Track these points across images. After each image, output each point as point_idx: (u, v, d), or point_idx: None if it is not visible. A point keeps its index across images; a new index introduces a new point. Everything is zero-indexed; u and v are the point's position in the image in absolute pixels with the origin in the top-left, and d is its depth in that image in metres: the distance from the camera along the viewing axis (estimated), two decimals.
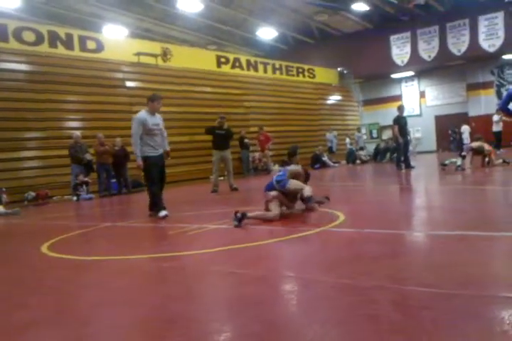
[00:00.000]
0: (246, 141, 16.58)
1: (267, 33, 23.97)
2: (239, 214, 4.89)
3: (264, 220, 5.14)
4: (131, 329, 2.24)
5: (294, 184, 5.41)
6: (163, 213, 6.37)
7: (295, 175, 5.63)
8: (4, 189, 10.93)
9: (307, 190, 5.34)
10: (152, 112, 6.57)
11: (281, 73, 21.64)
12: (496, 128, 18.07)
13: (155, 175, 6.54)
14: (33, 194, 11.33)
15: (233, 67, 19.33)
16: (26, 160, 12.16)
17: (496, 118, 17.83)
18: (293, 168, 5.87)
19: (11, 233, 6.86)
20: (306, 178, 5.85)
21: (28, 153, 12.26)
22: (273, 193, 5.35)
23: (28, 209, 10.27)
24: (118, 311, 2.54)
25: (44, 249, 4.58)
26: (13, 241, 5.81)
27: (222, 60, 19.00)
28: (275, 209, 5.20)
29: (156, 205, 6.53)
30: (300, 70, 22.68)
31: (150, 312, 2.46)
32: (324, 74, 23.89)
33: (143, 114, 6.49)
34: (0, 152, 11.40)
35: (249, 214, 5.03)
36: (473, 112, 22.45)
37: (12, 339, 2.24)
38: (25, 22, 14.37)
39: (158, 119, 6.65)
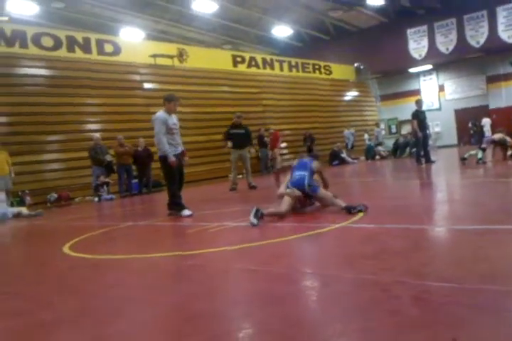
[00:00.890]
0: (265, 139, 16.55)
1: (282, 31, 23.91)
2: (259, 212, 4.88)
3: (279, 216, 5.13)
4: (153, 328, 2.25)
5: (323, 193, 5.40)
6: (187, 212, 6.42)
7: (316, 173, 5.68)
8: (27, 191, 11.13)
9: (340, 202, 5.18)
10: (169, 112, 6.62)
11: (298, 70, 21.56)
12: None
13: (176, 174, 6.59)
14: (55, 195, 11.51)
15: (249, 66, 19.32)
16: (48, 163, 12.36)
17: None
18: (317, 165, 5.79)
19: (34, 234, 6.97)
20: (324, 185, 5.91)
21: (50, 155, 12.46)
22: (297, 193, 5.33)
23: (50, 211, 10.42)
24: (140, 309, 2.56)
25: (66, 249, 4.64)
26: (36, 242, 5.91)
27: (238, 59, 19.01)
28: (285, 205, 5.21)
29: (177, 204, 6.58)
30: (316, 67, 22.57)
31: (171, 310, 2.48)
32: (341, 71, 23.74)
33: (162, 113, 6.56)
34: (23, 155, 11.59)
35: (265, 212, 5.05)
36: (493, 105, 22.09)
37: (35, 337, 2.27)
38: (43, 28, 14.59)
39: (175, 119, 6.72)
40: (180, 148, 6.78)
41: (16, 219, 9.00)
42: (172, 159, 6.42)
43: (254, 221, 4.82)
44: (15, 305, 2.88)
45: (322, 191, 5.43)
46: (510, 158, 10.56)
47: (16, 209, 9.39)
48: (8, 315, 2.68)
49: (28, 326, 2.44)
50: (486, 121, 19.80)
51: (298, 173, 5.53)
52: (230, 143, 10.49)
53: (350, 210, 4.93)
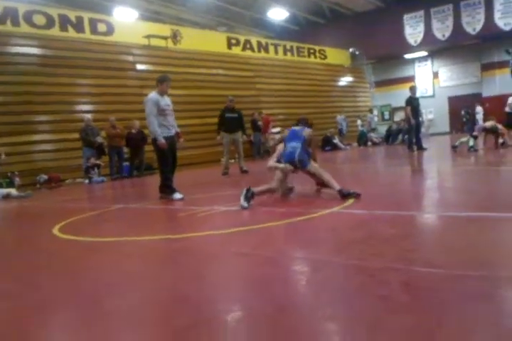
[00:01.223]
0: (259, 123, 16.49)
1: (277, 14, 23.63)
2: (249, 193, 4.89)
3: (271, 192, 5.18)
4: (142, 310, 2.26)
5: (314, 168, 5.35)
6: (178, 196, 6.40)
7: (309, 141, 5.55)
8: (17, 172, 11.05)
9: (335, 184, 5.09)
10: (162, 94, 6.57)
11: (293, 54, 21.38)
12: (509, 109, 17.81)
13: (168, 156, 6.56)
14: (45, 177, 11.44)
15: (244, 48, 19.13)
16: (38, 144, 12.23)
17: (511, 100, 17.58)
18: (309, 133, 5.63)
19: (23, 215, 6.94)
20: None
21: (40, 136, 12.32)
22: (290, 168, 5.30)
23: (40, 192, 10.38)
24: (129, 292, 2.56)
25: (55, 230, 4.62)
26: (25, 224, 5.89)
27: (233, 41, 18.81)
28: (276, 180, 5.24)
29: (168, 187, 6.56)
30: (311, 51, 22.39)
31: (160, 293, 2.48)
32: (336, 55, 23.57)
33: (154, 95, 6.50)
34: (12, 136, 11.47)
35: (255, 190, 5.07)
36: (487, 93, 22.10)
37: (25, 320, 2.27)
38: (35, 5, 14.27)
39: (168, 100, 6.67)
40: (174, 130, 6.73)
41: (5, 200, 8.95)
42: (162, 141, 6.37)
43: (245, 204, 4.85)
44: (3, 287, 2.88)
45: (313, 166, 5.37)
46: (501, 146, 10.62)
47: (5, 191, 9.32)
48: None
49: (18, 308, 2.44)
50: (479, 109, 19.83)
51: (290, 145, 5.44)
52: (219, 137, 10.62)
53: (344, 194, 4.91)
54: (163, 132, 6.45)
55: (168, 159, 6.56)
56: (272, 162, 5.57)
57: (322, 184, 5.43)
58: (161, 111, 6.46)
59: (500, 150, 10.35)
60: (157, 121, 6.42)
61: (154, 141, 6.49)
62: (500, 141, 10.70)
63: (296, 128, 5.77)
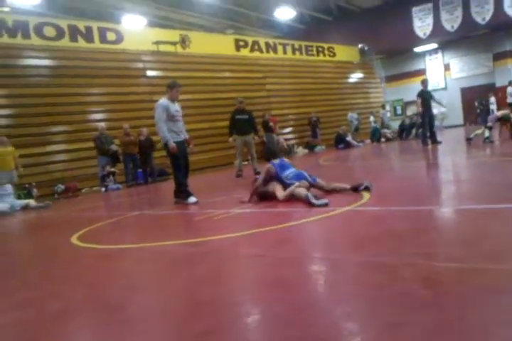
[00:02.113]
0: (271, 124, 16.47)
1: (284, 14, 23.54)
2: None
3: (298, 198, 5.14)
4: (162, 315, 2.27)
5: (321, 180, 5.55)
6: (193, 199, 6.45)
7: None
8: (34, 183, 11.18)
9: (344, 185, 5.41)
10: (172, 100, 6.61)
11: (301, 53, 21.33)
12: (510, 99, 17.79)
13: (181, 161, 6.60)
14: (62, 187, 11.56)
15: (252, 50, 19.14)
16: (54, 154, 12.37)
17: (510, 90, 17.53)
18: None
19: (42, 225, 7.02)
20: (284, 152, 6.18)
21: (56, 147, 12.46)
22: (306, 184, 5.42)
23: (58, 202, 10.49)
24: (148, 297, 2.58)
25: (74, 239, 4.67)
26: (44, 234, 5.96)
27: (241, 43, 18.84)
28: (303, 190, 5.19)
29: (183, 192, 6.59)
30: (320, 49, 22.31)
31: (179, 297, 2.49)
32: (345, 52, 23.46)
33: (164, 100, 6.55)
34: (28, 147, 11.61)
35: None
36: (500, 82, 21.77)
37: (46, 327, 2.30)
38: (45, 17, 14.49)
39: (177, 106, 6.72)
40: (183, 136, 6.78)
41: (24, 211, 9.06)
42: (172, 145, 6.42)
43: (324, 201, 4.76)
44: (24, 296, 2.91)
45: (319, 179, 5.56)
46: None
47: (23, 202, 9.44)
48: (17, 306, 2.70)
49: (38, 316, 2.47)
50: (493, 100, 19.57)
51: (290, 171, 5.63)
52: (231, 139, 10.63)
53: (357, 188, 5.13)
54: (172, 137, 6.51)
55: (181, 163, 6.60)
56: (282, 192, 5.44)
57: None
58: (171, 117, 6.51)
59: None
60: (167, 126, 6.46)
61: (166, 145, 6.53)
62: None
63: (276, 161, 5.85)
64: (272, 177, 5.69)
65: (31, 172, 11.40)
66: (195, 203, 6.38)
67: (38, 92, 12.38)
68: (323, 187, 5.49)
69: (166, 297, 2.53)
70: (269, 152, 6.34)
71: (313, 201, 4.73)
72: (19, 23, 12.78)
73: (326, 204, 4.67)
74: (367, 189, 5.11)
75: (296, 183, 5.31)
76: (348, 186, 5.28)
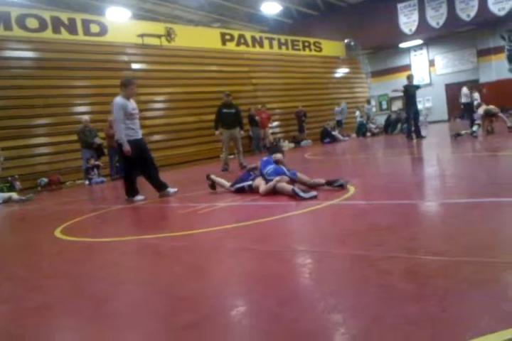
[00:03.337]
0: (257, 118, 16.46)
1: (270, 8, 23.49)
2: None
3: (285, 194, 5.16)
4: (144, 308, 2.26)
5: (301, 175, 5.53)
6: (140, 197, 6.67)
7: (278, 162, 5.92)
8: (17, 176, 11.05)
9: (320, 180, 5.37)
10: (128, 97, 6.58)
11: (287, 48, 21.30)
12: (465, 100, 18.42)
13: (134, 161, 6.60)
14: (45, 180, 11.45)
15: (238, 44, 19.06)
16: (37, 147, 12.22)
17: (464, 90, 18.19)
18: (276, 156, 6.06)
19: (25, 218, 6.94)
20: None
21: (39, 139, 12.32)
22: (286, 178, 5.40)
23: (41, 195, 10.38)
24: (131, 290, 2.57)
25: (57, 232, 4.63)
26: (27, 227, 5.89)
27: (227, 37, 18.74)
28: (287, 185, 5.21)
29: (132, 190, 6.74)
30: (306, 44, 22.30)
31: (163, 290, 2.48)
32: (331, 47, 23.49)
33: (120, 99, 6.51)
34: (11, 140, 11.46)
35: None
36: (484, 78, 22.03)
37: (27, 321, 2.27)
38: (27, 9, 14.24)
39: (134, 104, 6.70)
40: (141, 133, 6.80)
41: (7, 204, 8.95)
42: (127, 148, 6.41)
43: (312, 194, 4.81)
44: (7, 290, 2.88)
45: (299, 174, 5.55)
46: (510, 130, 10.51)
47: (6, 195, 9.32)
48: (0, 299, 2.68)
49: (20, 311, 2.44)
50: (476, 96, 19.78)
51: (269, 167, 5.66)
52: (217, 132, 10.60)
53: (332, 184, 5.13)
54: (132, 135, 6.51)
55: (133, 163, 6.64)
56: (264, 186, 5.49)
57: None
58: (129, 115, 6.50)
59: (504, 134, 10.31)
60: (125, 124, 6.45)
61: (120, 145, 6.51)
62: (509, 124, 10.61)
63: (265, 158, 6.02)
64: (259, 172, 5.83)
65: (14, 165, 11.26)
66: (142, 200, 6.57)
67: (21, 84, 12.19)
68: (305, 182, 5.48)
69: (149, 290, 2.52)
70: (274, 149, 6.46)
71: (302, 194, 4.74)
72: (1, 14, 12.54)
73: (314, 197, 4.69)
74: (341, 186, 5.09)
75: (277, 178, 5.32)
76: (322, 180, 5.28)
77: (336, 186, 5.10)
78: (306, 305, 2.05)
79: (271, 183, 5.34)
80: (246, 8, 23.28)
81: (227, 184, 6.30)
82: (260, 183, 5.59)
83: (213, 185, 6.50)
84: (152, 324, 2.04)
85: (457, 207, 3.69)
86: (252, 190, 5.68)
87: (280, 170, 5.54)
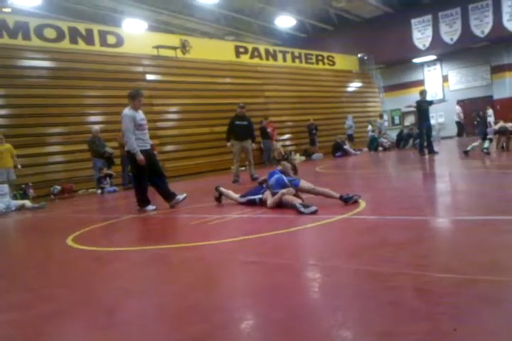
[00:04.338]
0: (269, 130, 16.50)
1: (285, 22, 23.74)
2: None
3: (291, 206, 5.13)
4: (154, 318, 2.27)
5: (305, 183, 5.46)
6: (151, 207, 6.72)
7: (284, 170, 5.84)
8: (30, 184, 11.16)
9: (333, 193, 5.22)
10: (135, 109, 6.69)
11: (301, 61, 21.45)
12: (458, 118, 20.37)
13: (144, 171, 6.69)
14: (58, 188, 11.55)
15: (252, 56, 19.24)
16: (51, 155, 12.38)
17: (458, 109, 19.05)
18: (281, 167, 6.00)
19: (38, 226, 7.00)
20: (294, 171, 6.12)
21: (53, 148, 12.48)
22: (292, 191, 5.36)
23: (54, 203, 10.46)
24: (142, 300, 2.58)
25: (69, 241, 4.66)
26: (40, 234, 5.94)
27: (241, 50, 18.93)
28: (292, 198, 5.20)
29: (144, 200, 6.80)
30: (319, 58, 22.44)
31: (173, 301, 2.49)
32: (344, 61, 23.60)
33: (129, 110, 6.62)
34: (25, 147, 11.61)
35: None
36: (498, 95, 21.96)
37: (38, 329, 2.29)
38: (46, 19, 14.55)
39: (142, 115, 6.80)
40: (150, 143, 6.89)
41: (20, 211, 9.03)
42: (140, 157, 6.51)
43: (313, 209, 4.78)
44: (18, 297, 2.90)
45: (302, 182, 5.47)
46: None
47: (19, 202, 9.42)
48: (11, 307, 2.70)
49: (31, 318, 2.45)
50: (490, 112, 19.82)
51: (273, 178, 5.59)
52: (229, 144, 10.65)
53: (346, 200, 4.98)
54: (141, 145, 6.60)
55: (144, 171, 6.71)
56: (271, 199, 5.49)
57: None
58: (138, 126, 6.61)
59: None
60: (135, 135, 6.55)
61: (131, 155, 6.60)
62: None
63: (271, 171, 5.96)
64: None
65: (28, 172, 11.38)
66: (153, 210, 6.62)
67: (37, 93, 12.40)
68: (308, 191, 5.41)
69: (159, 301, 2.53)
70: (282, 158, 6.43)
71: (302, 210, 4.74)
72: (20, 24, 12.83)
73: (315, 211, 4.68)
74: (355, 200, 5.02)
75: (283, 191, 5.31)
76: (337, 195, 5.13)
77: (351, 201, 5.00)
78: (316, 319, 2.05)
79: (276, 196, 5.33)
80: (260, 21, 23.53)
81: (236, 196, 6.32)
82: (268, 196, 5.60)
83: (219, 198, 6.51)
84: (161, 334, 2.05)
85: (469, 224, 3.67)
86: (262, 203, 5.68)
87: (281, 180, 5.48)
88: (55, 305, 2.63)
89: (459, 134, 21.11)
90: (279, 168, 5.97)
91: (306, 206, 4.82)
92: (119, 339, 2.06)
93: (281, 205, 5.30)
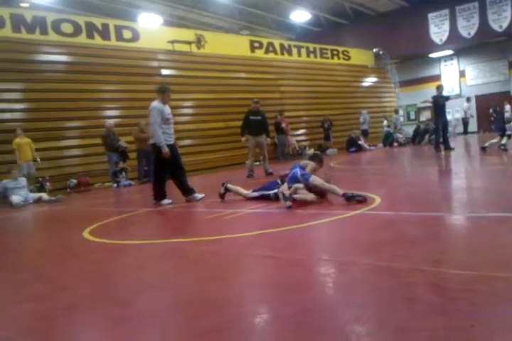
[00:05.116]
0: (283, 125, 16.47)
1: (300, 16, 23.61)
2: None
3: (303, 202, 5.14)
4: (169, 311, 2.30)
5: (316, 179, 5.35)
6: (167, 201, 6.76)
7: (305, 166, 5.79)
8: (47, 177, 11.29)
9: (337, 189, 5.13)
10: (164, 103, 6.75)
11: (316, 56, 21.32)
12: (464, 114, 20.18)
13: (166, 165, 6.76)
14: (74, 181, 11.66)
15: (267, 51, 19.17)
16: (68, 149, 12.48)
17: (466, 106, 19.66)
18: (306, 163, 5.93)
19: (55, 219, 7.09)
20: (320, 164, 6.12)
21: (69, 141, 12.59)
22: (301, 186, 5.33)
23: (70, 196, 10.58)
24: (156, 293, 2.60)
25: (86, 234, 4.72)
26: (56, 227, 6.03)
27: (256, 44, 18.87)
28: (309, 194, 5.21)
29: (161, 194, 6.84)
30: (335, 52, 22.28)
31: (188, 294, 2.51)
32: (359, 56, 23.40)
33: (158, 104, 6.68)
34: (42, 141, 11.72)
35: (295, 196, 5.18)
36: None
37: (55, 321, 2.33)
38: (62, 14, 14.64)
39: (169, 109, 6.86)
40: (174, 137, 6.98)
41: (37, 204, 9.16)
42: (166, 150, 6.57)
43: (288, 204, 4.90)
44: (36, 289, 2.95)
45: (313, 178, 5.37)
46: None
47: (36, 195, 9.55)
48: (29, 298, 2.75)
49: (49, 309, 2.50)
50: (508, 108, 19.52)
51: (291, 172, 5.65)
52: (243, 139, 10.69)
53: (348, 199, 4.86)
54: (166, 140, 6.66)
55: (166, 167, 6.79)
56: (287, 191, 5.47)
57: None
58: (165, 120, 6.67)
59: None
60: (161, 129, 6.60)
61: (157, 148, 6.64)
62: None
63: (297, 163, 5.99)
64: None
65: (45, 166, 11.50)
66: (169, 204, 6.68)
67: (54, 87, 12.51)
68: (317, 186, 5.30)
69: (174, 294, 2.56)
70: (312, 156, 6.41)
71: (283, 202, 4.94)
72: (37, 19, 12.94)
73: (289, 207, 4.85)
74: (358, 200, 4.84)
75: (295, 185, 5.32)
76: (340, 192, 5.01)
77: (354, 201, 4.84)
78: (330, 314, 2.05)
79: (290, 190, 5.30)
80: (275, 16, 23.43)
81: (245, 191, 6.33)
82: (284, 189, 5.58)
83: (223, 195, 6.50)
84: (175, 327, 2.08)
85: (485, 220, 3.64)
86: (278, 198, 5.68)
87: (294, 175, 5.51)
88: (71, 297, 2.68)
89: (465, 132, 20.76)
90: (302, 163, 5.94)
91: (286, 198, 4.95)
92: (134, 331, 2.09)
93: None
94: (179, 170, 6.92)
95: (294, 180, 5.45)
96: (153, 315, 2.25)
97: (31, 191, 10.17)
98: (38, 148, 11.21)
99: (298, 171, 5.54)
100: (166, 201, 6.78)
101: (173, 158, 6.76)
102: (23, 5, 16.75)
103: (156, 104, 6.66)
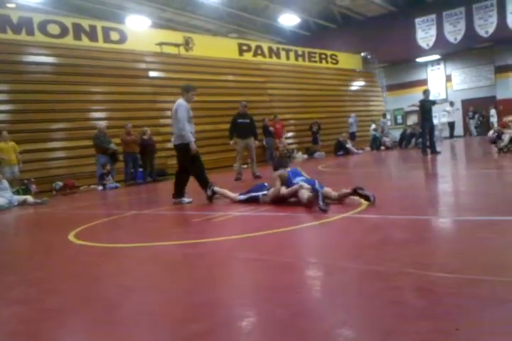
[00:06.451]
0: (271, 128, 16.50)
1: (288, 20, 23.72)
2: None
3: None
4: (156, 314, 2.28)
5: (328, 189, 5.33)
6: (186, 200, 6.74)
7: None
8: (33, 179, 11.17)
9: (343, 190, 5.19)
10: (188, 102, 6.79)
11: (304, 60, 21.42)
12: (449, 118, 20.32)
13: (201, 160, 6.85)
14: (60, 184, 11.56)
15: (255, 54, 19.22)
16: (54, 151, 12.38)
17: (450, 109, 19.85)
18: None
19: (40, 222, 7.01)
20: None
21: (56, 143, 12.48)
22: (308, 186, 5.26)
23: (56, 199, 10.47)
24: (144, 297, 2.59)
25: (71, 236, 4.67)
26: (42, 230, 5.95)
27: (244, 47, 18.91)
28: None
29: (205, 185, 6.73)
30: (323, 56, 22.40)
31: (175, 298, 2.50)
32: (347, 60, 23.55)
33: (184, 102, 6.73)
34: (28, 143, 11.61)
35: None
36: (501, 95, 21.88)
37: (41, 324, 2.30)
38: (49, 15, 14.54)
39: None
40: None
41: (22, 206, 9.05)
42: (195, 147, 6.61)
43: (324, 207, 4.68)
44: (22, 292, 2.92)
45: (326, 188, 5.35)
46: None
47: (21, 197, 9.43)
48: (15, 301, 2.72)
49: (35, 312, 2.47)
50: (493, 112, 19.77)
51: (301, 178, 5.54)
52: (232, 142, 10.69)
53: (356, 190, 4.88)
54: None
55: (201, 163, 6.86)
56: (285, 189, 5.45)
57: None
58: (189, 119, 6.71)
59: None
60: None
61: (181, 146, 6.66)
62: None
63: (288, 169, 5.87)
64: (283, 182, 5.60)
65: (30, 168, 11.38)
66: (189, 202, 6.67)
67: (40, 89, 12.41)
68: (330, 197, 5.22)
69: (161, 297, 2.54)
70: (279, 164, 6.28)
71: (321, 202, 4.64)
72: (24, 20, 12.84)
73: (325, 211, 4.61)
74: (366, 198, 4.88)
75: (301, 183, 5.29)
76: (348, 190, 5.05)
77: (362, 196, 4.88)
78: (317, 318, 2.05)
79: (295, 187, 5.26)
80: (264, 19, 23.49)
81: (233, 194, 6.32)
82: (281, 188, 5.50)
83: (211, 198, 6.53)
84: (164, 331, 2.06)
85: (472, 224, 3.67)
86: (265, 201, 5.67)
87: (311, 182, 5.33)
88: (59, 300, 2.65)
89: (451, 136, 20.70)
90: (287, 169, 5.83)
91: (325, 203, 4.71)
92: (121, 335, 2.07)
93: (289, 198, 5.37)
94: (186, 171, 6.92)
95: (310, 183, 5.30)
96: (142, 318, 2.23)
97: (18, 193, 10.05)
98: (23, 150, 11.09)
99: (317, 183, 5.28)
100: (186, 200, 6.75)
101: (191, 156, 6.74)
102: (9, 5, 16.60)
103: (182, 101, 6.71)
